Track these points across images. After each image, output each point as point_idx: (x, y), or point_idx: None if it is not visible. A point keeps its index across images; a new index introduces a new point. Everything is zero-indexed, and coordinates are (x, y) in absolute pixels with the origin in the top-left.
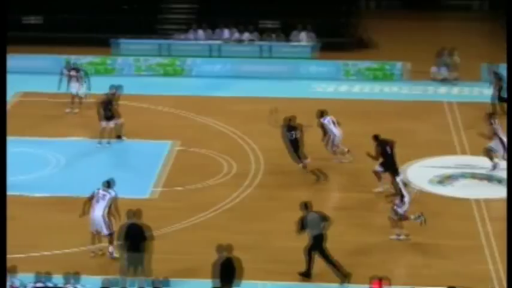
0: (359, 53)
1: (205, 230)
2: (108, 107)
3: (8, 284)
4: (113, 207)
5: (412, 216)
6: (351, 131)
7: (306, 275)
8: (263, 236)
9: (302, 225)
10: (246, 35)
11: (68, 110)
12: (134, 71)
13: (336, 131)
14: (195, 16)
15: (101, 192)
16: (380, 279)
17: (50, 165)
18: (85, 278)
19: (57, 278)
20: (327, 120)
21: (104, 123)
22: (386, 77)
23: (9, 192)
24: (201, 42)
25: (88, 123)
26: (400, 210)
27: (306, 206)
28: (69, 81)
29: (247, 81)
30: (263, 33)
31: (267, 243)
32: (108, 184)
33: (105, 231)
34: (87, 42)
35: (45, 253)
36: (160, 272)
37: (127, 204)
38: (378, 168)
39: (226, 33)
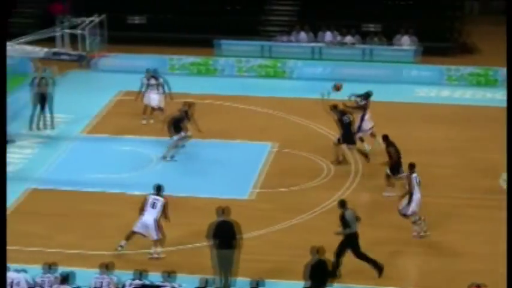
0: (462, 58)
1: (301, 232)
2: (179, 124)
3: (107, 280)
4: (165, 212)
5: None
6: (451, 136)
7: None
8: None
9: (345, 223)
10: (348, 38)
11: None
12: (236, 71)
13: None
14: (297, 18)
15: (153, 197)
16: (478, 286)
17: (150, 163)
18: (181, 277)
19: (154, 276)
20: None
21: (175, 137)
22: (490, 82)
23: (109, 190)
24: (303, 44)
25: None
26: (409, 213)
27: (343, 203)
28: (147, 90)
29: (348, 84)
30: (365, 36)
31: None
32: (158, 189)
33: (154, 237)
34: (189, 42)
35: (143, 251)
36: (255, 272)
37: (225, 204)
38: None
39: (328, 35)
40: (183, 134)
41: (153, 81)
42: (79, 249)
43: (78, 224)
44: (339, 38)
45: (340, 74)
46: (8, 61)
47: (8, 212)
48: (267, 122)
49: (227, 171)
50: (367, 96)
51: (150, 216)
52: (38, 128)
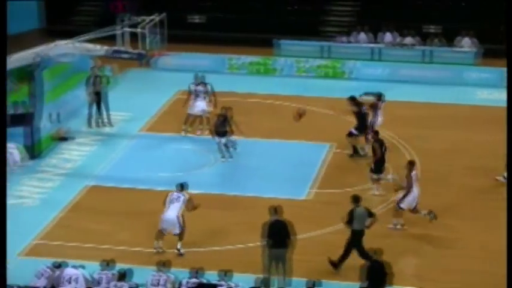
0: None
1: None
2: (222, 130)
3: (164, 278)
4: (188, 207)
5: (423, 212)
6: None
7: (334, 265)
8: (417, 242)
9: (350, 218)
10: (408, 39)
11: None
12: (295, 72)
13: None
14: (357, 19)
15: (175, 194)
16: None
17: (209, 163)
18: (237, 276)
19: (211, 275)
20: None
21: (217, 139)
22: None
23: (167, 188)
24: (363, 45)
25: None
26: (403, 206)
27: (356, 199)
28: (195, 97)
29: (408, 85)
30: (425, 37)
31: (420, 248)
32: (182, 187)
33: (177, 231)
34: (248, 42)
35: (200, 249)
36: (311, 272)
37: (283, 205)
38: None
39: (388, 36)
40: (228, 138)
41: (200, 87)
42: (136, 246)
43: (136, 221)
44: (398, 39)
45: (400, 75)
46: (68, 59)
47: (67, 208)
48: (325, 122)
49: (285, 171)
50: (379, 96)
51: (172, 212)
52: (98, 126)
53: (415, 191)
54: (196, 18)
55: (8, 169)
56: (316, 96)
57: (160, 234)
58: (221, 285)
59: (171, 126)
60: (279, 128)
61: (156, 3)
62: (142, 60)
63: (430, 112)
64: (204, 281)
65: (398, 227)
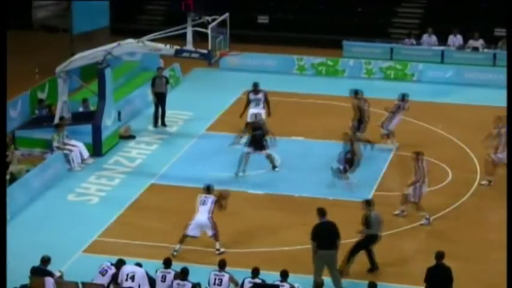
0: None
1: (419, 237)
2: (259, 143)
3: (226, 277)
4: (218, 207)
5: (422, 213)
6: None
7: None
8: (480, 246)
9: (367, 222)
10: (477, 42)
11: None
12: (364, 73)
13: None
14: (427, 21)
15: (203, 196)
16: None
17: (267, 164)
18: (297, 276)
19: (272, 275)
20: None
21: (248, 149)
22: None
23: (231, 187)
24: (433, 48)
25: (310, 123)
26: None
27: (369, 203)
28: (249, 104)
29: (475, 88)
30: (494, 41)
31: (481, 253)
32: (208, 189)
33: (210, 233)
34: (317, 43)
35: (261, 249)
36: (374, 275)
37: (346, 207)
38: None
39: (456, 39)
40: (267, 151)
41: (252, 95)
42: (197, 245)
43: None
44: (467, 42)
45: (467, 79)
46: (136, 57)
47: (129, 206)
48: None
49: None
50: (402, 97)
51: (203, 215)
52: (164, 125)
53: (423, 185)
54: (262, 19)
55: (73, 165)
56: (384, 98)
57: (184, 239)
58: (282, 286)
59: (236, 127)
60: (340, 129)
61: (222, 3)
62: (211, 60)
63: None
64: (265, 281)
65: (405, 213)
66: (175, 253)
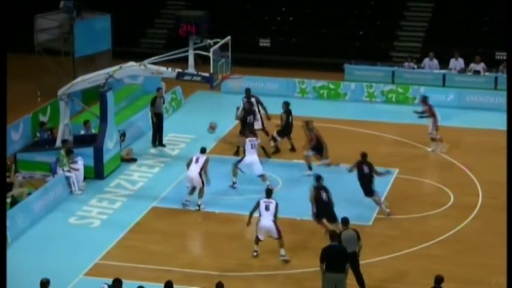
0: None
1: (421, 261)
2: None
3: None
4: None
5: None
6: None
7: None
8: (481, 270)
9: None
10: (477, 66)
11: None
12: (365, 97)
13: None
14: (428, 44)
15: (265, 201)
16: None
17: (276, 186)
18: None
19: None
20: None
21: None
22: None
23: (232, 211)
24: (434, 71)
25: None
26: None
27: (345, 222)
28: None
29: (477, 112)
30: (495, 64)
31: (484, 277)
32: (269, 193)
33: (276, 235)
34: (319, 66)
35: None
36: None
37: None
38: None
39: (458, 63)
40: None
41: (247, 105)
42: (198, 269)
43: (198, 243)
44: (469, 65)
45: (469, 102)
46: (137, 81)
47: (130, 229)
48: (393, 148)
49: (352, 196)
50: (423, 100)
51: (267, 219)
52: (163, 146)
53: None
54: (264, 42)
55: (74, 189)
56: (385, 122)
57: (257, 240)
58: None
59: (235, 149)
60: (347, 154)
61: (223, 26)
62: (213, 83)
63: (497, 139)
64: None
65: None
66: (254, 254)
